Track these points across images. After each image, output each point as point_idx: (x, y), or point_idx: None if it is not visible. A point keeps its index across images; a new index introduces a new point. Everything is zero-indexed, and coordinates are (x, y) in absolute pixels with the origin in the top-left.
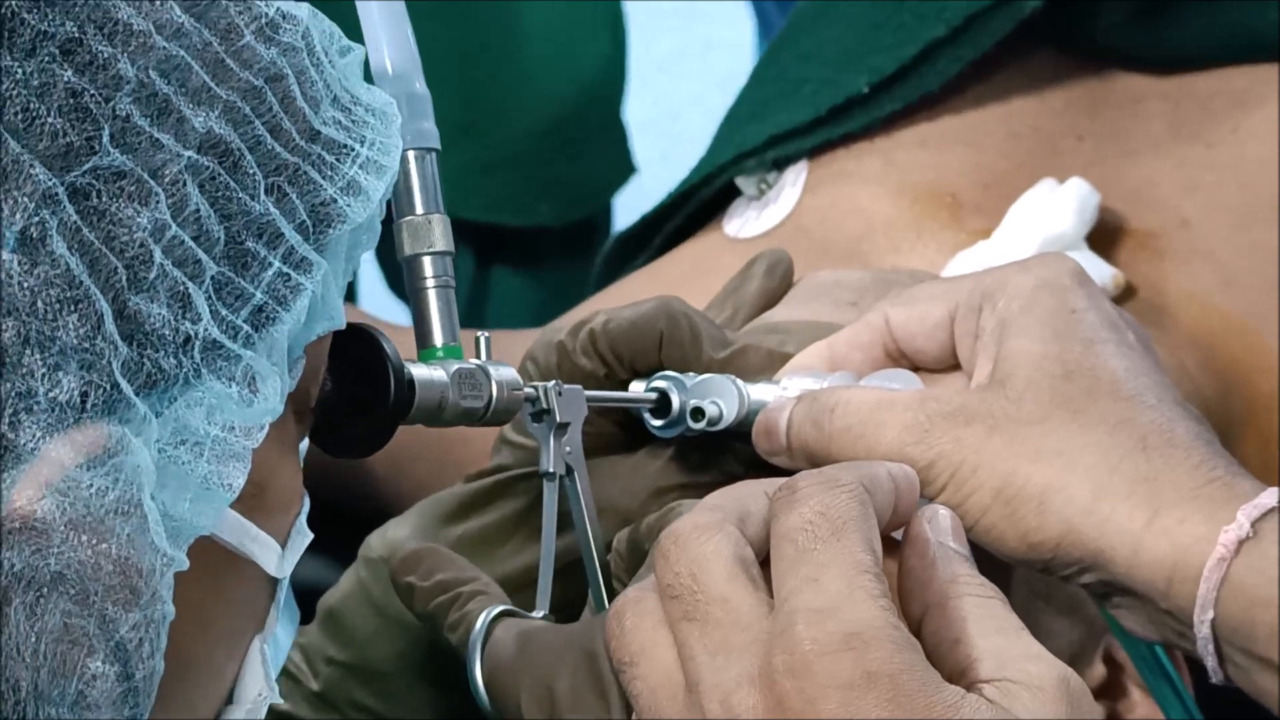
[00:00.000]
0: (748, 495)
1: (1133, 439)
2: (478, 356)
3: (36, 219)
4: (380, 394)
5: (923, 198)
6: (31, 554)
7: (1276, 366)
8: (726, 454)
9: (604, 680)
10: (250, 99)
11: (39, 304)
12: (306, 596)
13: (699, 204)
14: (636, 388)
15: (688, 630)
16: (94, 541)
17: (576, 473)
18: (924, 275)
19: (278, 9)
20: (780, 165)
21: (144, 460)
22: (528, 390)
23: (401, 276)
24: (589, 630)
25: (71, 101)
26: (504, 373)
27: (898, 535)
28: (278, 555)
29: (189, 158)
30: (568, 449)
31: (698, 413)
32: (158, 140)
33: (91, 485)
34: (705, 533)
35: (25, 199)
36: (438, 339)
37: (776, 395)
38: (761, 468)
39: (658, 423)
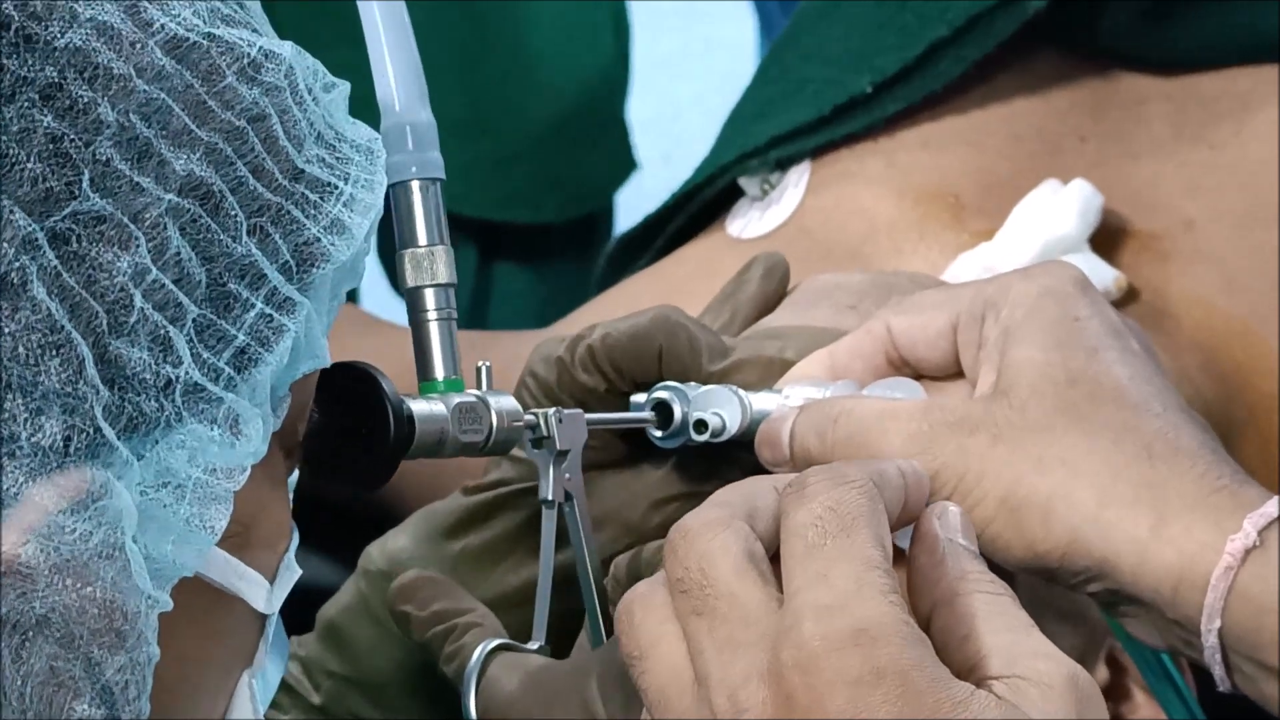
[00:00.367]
0: (757, 491)
1: (1137, 447)
2: (479, 386)
3: (17, 264)
4: (380, 432)
5: (925, 199)
6: (16, 598)
7: (1278, 369)
8: (729, 463)
9: None
10: (232, 140)
11: (20, 349)
12: (304, 595)
13: (702, 204)
14: (638, 397)
15: (696, 625)
16: (79, 585)
17: (575, 500)
18: (924, 278)
19: (260, 48)
20: (783, 165)
21: (126, 503)
22: (528, 418)
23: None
24: (584, 672)
25: (51, 147)
26: (504, 403)
27: (905, 539)
28: (266, 591)
29: (170, 201)
30: (567, 475)
31: (700, 424)
32: (138, 184)
33: (75, 530)
34: (714, 528)
35: (5, 244)
36: (439, 372)
37: (779, 405)
38: None
39: (660, 434)
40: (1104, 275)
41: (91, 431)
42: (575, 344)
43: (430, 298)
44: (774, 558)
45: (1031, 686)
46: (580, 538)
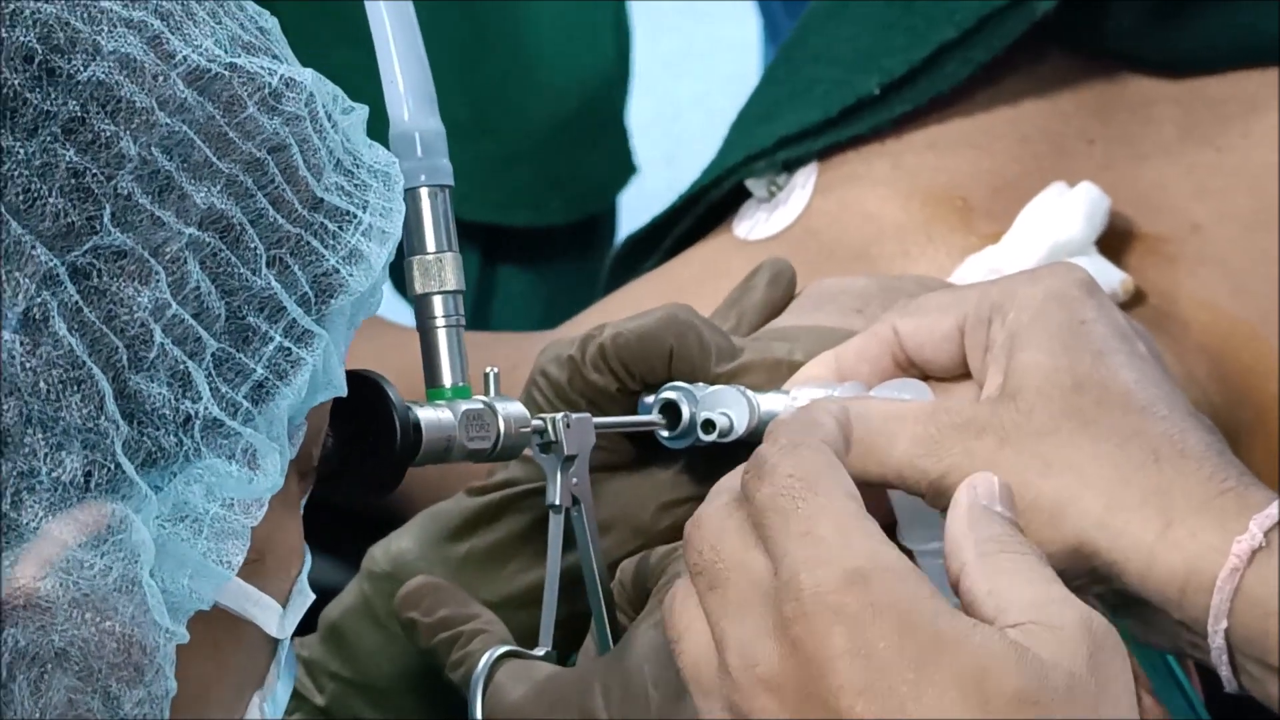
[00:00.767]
0: (733, 484)
1: (1144, 450)
2: (486, 392)
3: (38, 300)
4: (386, 441)
5: (932, 201)
6: (35, 631)
7: None
8: (737, 464)
9: None
10: (252, 171)
11: (41, 384)
12: (326, 600)
13: (709, 206)
14: (647, 398)
15: (712, 599)
16: (97, 619)
17: (583, 505)
18: (929, 281)
19: (281, 77)
20: (790, 167)
21: (144, 538)
22: (535, 424)
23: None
24: (589, 680)
25: (73, 181)
26: (511, 409)
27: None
28: (278, 616)
29: (190, 234)
30: (575, 480)
31: (708, 425)
32: (159, 218)
33: (94, 565)
34: (722, 512)
35: (27, 280)
36: (446, 379)
37: (786, 406)
38: None
39: (668, 435)
40: (1111, 277)
41: (111, 467)
42: (586, 343)
43: (439, 304)
44: None
45: (1043, 629)
46: (587, 543)
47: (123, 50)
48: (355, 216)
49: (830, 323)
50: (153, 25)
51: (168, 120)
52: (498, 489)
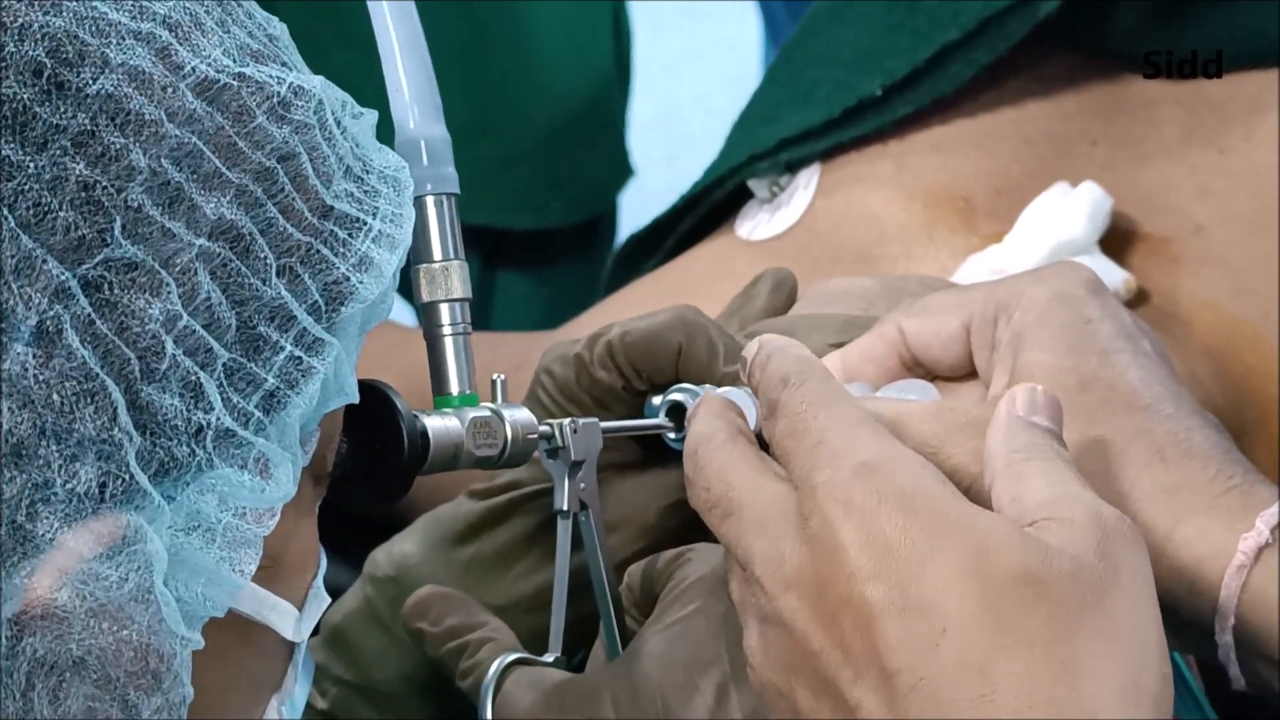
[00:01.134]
0: (729, 411)
1: (1150, 450)
2: (493, 399)
3: (51, 313)
4: (394, 450)
5: (935, 202)
6: (53, 640)
7: None
8: None
9: None
10: (262, 180)
11: (55, 397)
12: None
13: (711, 206)
14: (654, 399)
15: (729, 525)
16: (114, 629)
17: (591, 511)
18: (933, 281)
19: (290, 85)
20: (792, 168)
21: (157, 548)
22: (542, 429)
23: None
24: (599, 687)
25: (83, 194)
26: (518, 415)
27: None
28: (295, 619)
29: (200, 245)
30: (582, 485)
31: None
32: (169, 230)
33: (110, 575)
34: (723, 447)
35: (39, 294)
36: (453, 387)
37: None
38: None
39: (675, 437)
40: (1114, 277)
41: (125, 478)
42: (594, 341)
43: (445, 313)
44: None
45: (1053, 523)
46: (596, 548)
47: (131, 62)
48: (365, 223)
49: None
50: (161, 36)
51: (177, 131)
52: (502, 491)
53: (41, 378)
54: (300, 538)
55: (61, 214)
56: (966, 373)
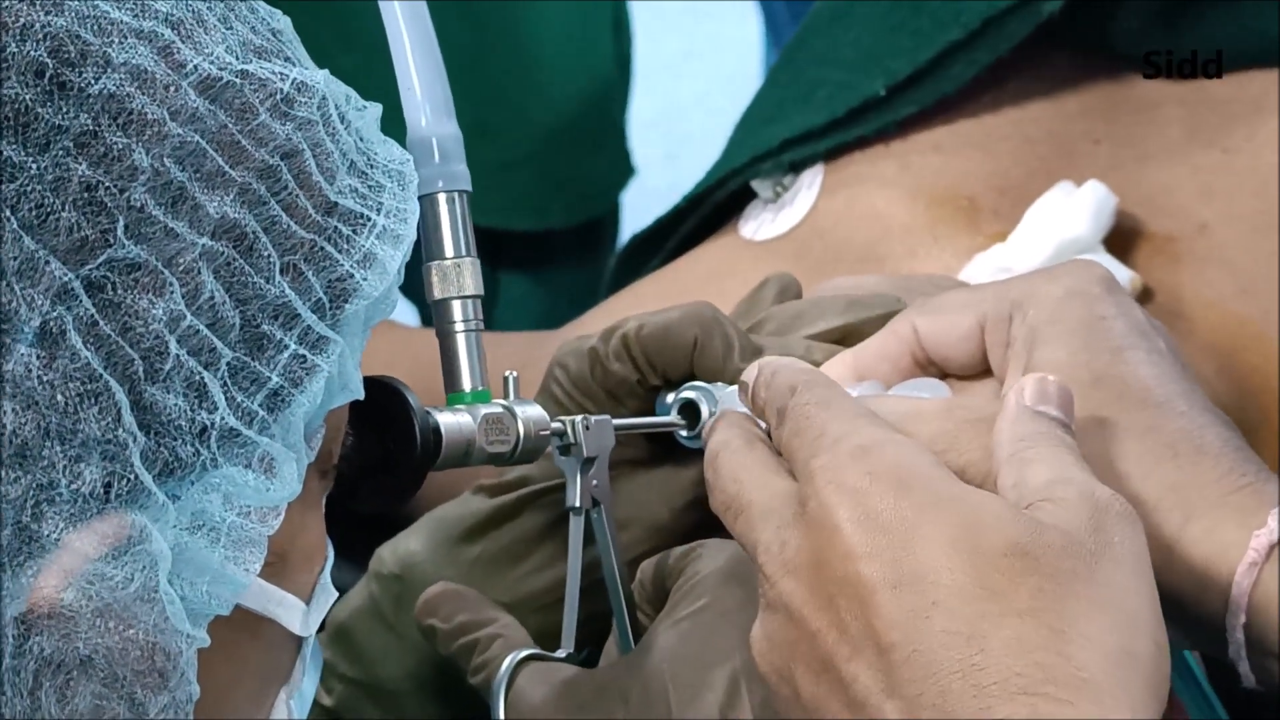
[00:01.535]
0: (745, 421)
1: (1162, 446)
2: (505, 396)
3: (54, 315)
4: (406, 447)
5: (938, 202)
6: (59, 640)
7: None
8: None
9: None
10: (266, 178)
11: (59, 398)
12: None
13: (714, 206)
14: (667, 396)
15: (741, 522)
16: (120, 628)
17: (603, 507)
18: (943, 280)
19: (293, 81)
20: (796, 168)
21: (162, 547)
22: (555, 426)
23: (410, 276)
24: (613, 681)
25: (86, 195)
26: (531, 412)
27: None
28: (302, 613)
29: (203, 245)
30: (594, 482)
31: None
32: (172, 229)
33: (115, 575)
34: (740, 450)
35: (41, 295)
36: (465, 384)
37: None
38: None
39: (687, 434)
40: (1120, 276)
41: (130, 478)
42: (609, 335)
43: (458, 309)
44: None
45: (1049, 503)
46: (608, 545)
47: (134, 61)
48: (369, 219)
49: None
50: (163, 35)
51: (180, 130)
52: (511, 489)
53: (45, 379)
54: (307, 532)
55: (64, 215)
56: (980, 371)
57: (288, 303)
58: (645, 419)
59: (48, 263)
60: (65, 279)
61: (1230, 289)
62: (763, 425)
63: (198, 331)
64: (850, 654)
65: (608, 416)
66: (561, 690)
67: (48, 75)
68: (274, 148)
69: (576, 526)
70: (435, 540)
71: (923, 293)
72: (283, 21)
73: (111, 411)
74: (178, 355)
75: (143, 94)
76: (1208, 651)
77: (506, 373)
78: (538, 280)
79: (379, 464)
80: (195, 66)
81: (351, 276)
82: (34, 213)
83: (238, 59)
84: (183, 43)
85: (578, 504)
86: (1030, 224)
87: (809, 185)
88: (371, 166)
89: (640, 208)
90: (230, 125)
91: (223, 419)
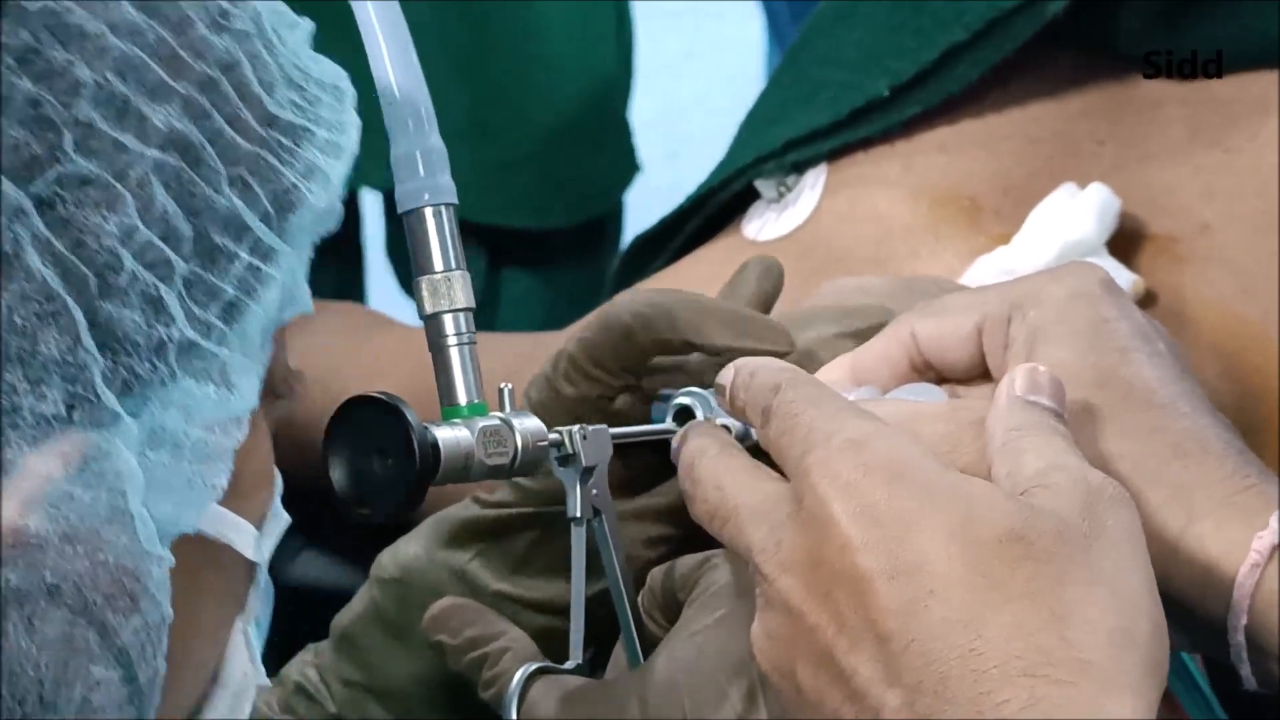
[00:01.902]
0: (716, 429)
1: (1166, 447)
2: (501, 408)
3: (10, 235)
4: (405, 463)
5: (941, 202)
6: (26, 568)
7: None
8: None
9: None
10: (207, 91)
11: (17, 319)
12: (322, 600)
13: (718, 206)
14: (672, 395)
15: (729, 528)
16: (88, 551)
17: (605, 516)
18: (947, 282)
19: None
20: (799, 169)
21: (129, 466)
22: (552, 437)
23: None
24: (626, 689)
25: (31, 111)
26: (528, 424)
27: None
28: (254, 539)
29: (153, 157)
30: (594, 492)
31: (724, 428)
32: (120, 143)
33: (80, 496)
34: (718, 458)
35: None
36: (461, 397)
37: None
38: None
39: None
40: (1122, 279)
41: (92, 398)
42: (557, 360)
43: (449, 323)
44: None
45: (1042, 489)
46: (611, 554)
47: None
48: (310, 131)
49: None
50: None
51: (120, 44)
52: (505, 506)
53: (4, 302)
54: (254, 457)
55: (11, 133)
56: (980, 375)
57: (237, 214)
58: (641, 428)
59: None
60: (15, 198)
61: (1232, 290)
62: (734, 430)
63: (152, 245)
64: (850, 646)
65: (604, 426)
66: (574, 702)
67: None
68: (213, 60)
69: (578, 537)
70: (434, 544)
71: (925, 294)
72: None
73: (71, 331)
74: (133, 270)
75: (81, 8)
76: (1210, 654)
77: (501, 385)
78: (540, 279)
79: (379, 479)
80: None
81: (296, 188)
82: None
83: None
84: None
85: (578, 514)
86: (1034, 226)
87: (812, 185)
88: (308, 80)
89: (641, 207)
90: (169, 38)
91: (180, 332)
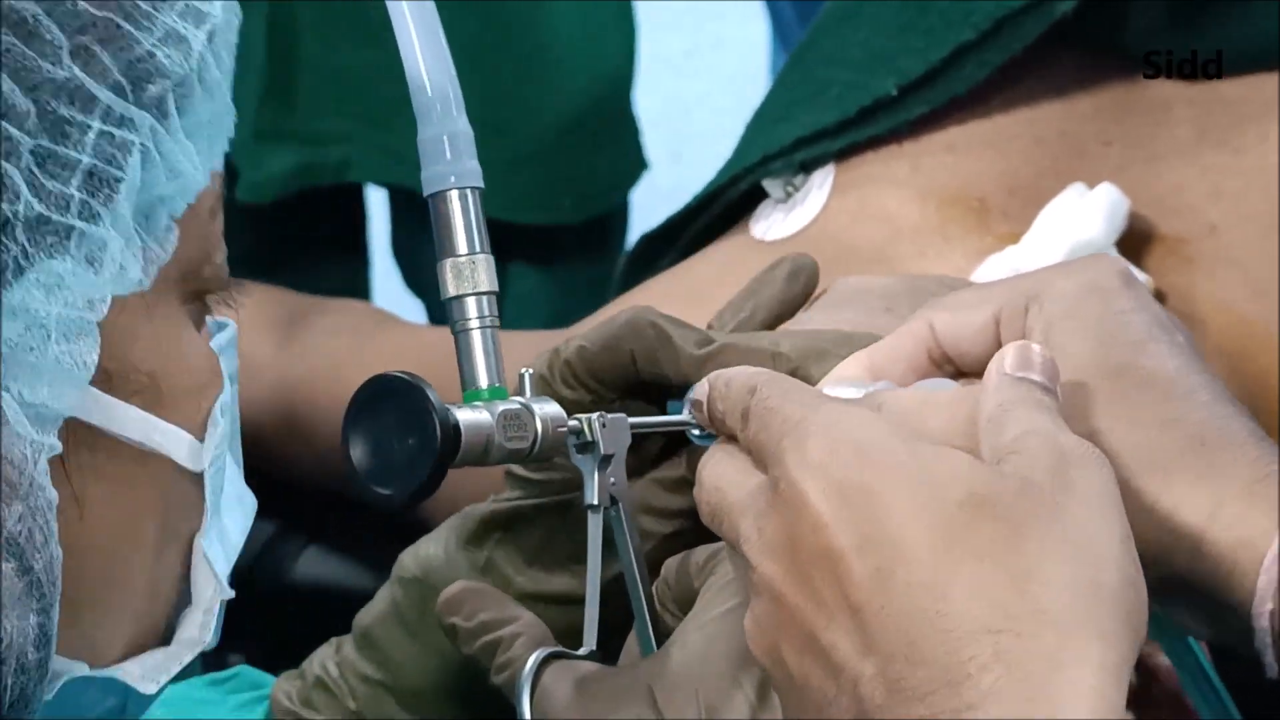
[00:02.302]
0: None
1: (1189, 435)
2: (521, 393)
3: None
4: (426, 443)
5: (949, 202)
6: None
7: None
8: None
9: None
10: None
11: None
12: (344, 599)
13: (725, 205)
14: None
15: (726, 526)
16: None
17: (621, 504)
18: (954, 281)
19: None
20: (807, 168)
21: None
22: (572, 424)
23: (417, 274)
24: (641, 676)
25: None
26: (548, 409)
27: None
28: (188, 445)
29: None
30: (612, 480)
31: None
32: None
33: None
34: (721, 461)
35: None
36: (482, 381)
37: None
38: None
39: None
40: None
41: None
42: (554, 360)
43: (473, 306)
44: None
45: (1014, 455)
46: (627, 541)
47: None
48: None
49: (853, 321)
50: None
51: None
52: (524, 497)
53: None
54: (180, 358)
55: None
56: None
57: (81, 85)
58: (659, 419)
59: None
60: None
61: (1241, 291)
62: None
63: None
64: (827, 622)
65: (623, 415)
66: (587, 689)
67: None
68: None
69: (595, 524)
70: (454, 543)
71: (932, 293)
72: None
73: None
74: None
75: None
76: (1233, 642)
77: (522, 370)
78: (546, 275)
79: (399, 460)
80: None
81: (153, 56)
82: None
83: None
84: None
85: (595, 501)
86: (1043, 226)
87: (820, 185)
88: None
89: (645, 206)
90: None
91: (27, 208)
